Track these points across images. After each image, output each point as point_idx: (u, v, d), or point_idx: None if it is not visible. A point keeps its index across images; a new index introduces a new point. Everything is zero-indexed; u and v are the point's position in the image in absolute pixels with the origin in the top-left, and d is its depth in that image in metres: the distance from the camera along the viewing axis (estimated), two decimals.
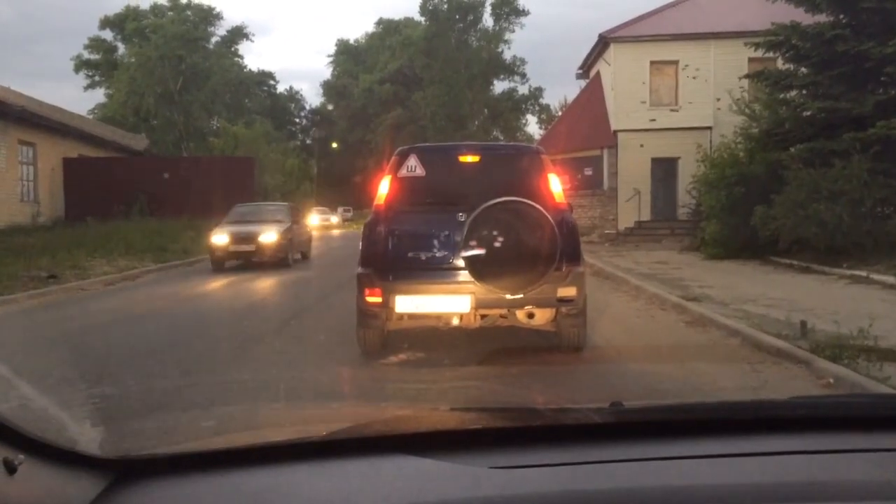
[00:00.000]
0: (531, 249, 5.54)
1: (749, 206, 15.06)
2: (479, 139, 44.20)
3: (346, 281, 8.73)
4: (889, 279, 10.71)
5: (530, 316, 5.99)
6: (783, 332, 6.67)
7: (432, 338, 6.45)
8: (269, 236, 15.21)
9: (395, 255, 5.94)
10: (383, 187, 6.13)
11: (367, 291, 5.87)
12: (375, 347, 6.16)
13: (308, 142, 62.24)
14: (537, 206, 5.59)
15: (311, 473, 1.29)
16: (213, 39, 52.59)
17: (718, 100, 21.21)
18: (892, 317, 7.62)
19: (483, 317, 5.99)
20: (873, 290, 10.20)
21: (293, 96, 65.37)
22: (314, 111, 65.55)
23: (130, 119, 44.82)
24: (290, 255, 15.70)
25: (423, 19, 54.25)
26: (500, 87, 57.13)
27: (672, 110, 22.97)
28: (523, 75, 56.43)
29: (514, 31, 55.32)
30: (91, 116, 42.42)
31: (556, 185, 6.07)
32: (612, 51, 23.64)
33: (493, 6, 53.93)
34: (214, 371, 5.89)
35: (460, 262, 5.68)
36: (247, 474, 1.26)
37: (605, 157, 23.83)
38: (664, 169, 23.04)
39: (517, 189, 5.80)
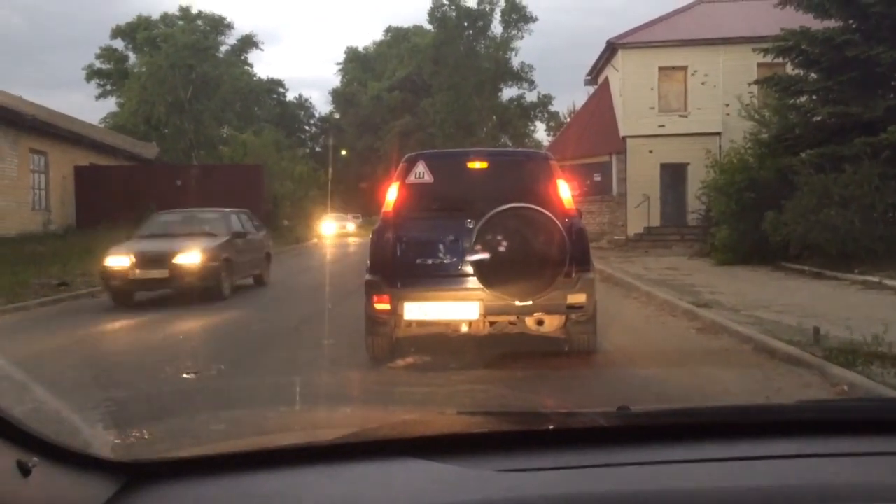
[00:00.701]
0: (540, 256, 5.52)
1: (759, 211, 14.98)
2: (488, 146, 44.16)
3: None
4: None
5: (540, 323, 5.97)
6: (796, 338, 6.60)
7: (439, 342, 6.44)
8: (189, 256, 10.73)
9: (404, 262, 5.94)
10: (392, 194, 6.13)
11: (375, 298, 5.86)
12: (384, 354, 6.17)
13: (318, 149, 62.46)
14: (546, 212, 5.57)
15: (319, 477, 1.29)
16: (223, 48, 52.89)
17: (727, 105, 21.19)
18: None
19: (492, 324, 5.97)
20: (886, 296, 10.12)
21: (303, 104, 65.77)
22: (323, 119, 65.91)
23: (141, 128, 45.08)
24: (223, 284, 11.18)
25: (431, 27, 54.38)
26: (508, 93, 57.16)
27: (681, 116, 22.94)
28: (531, 82, 56.39)
29: (522, 38, 55.36)
30: (102, 125, 42.74)
31: (565, 190, 6.05)
32: (621, 57, 23.64)
33: (503, 13, 54.00)
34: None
35: (469, 269, 5.67)
36: (256, 478, 1.27)
37: (614, 163, 23.82)
38: (673, 174, 22.98)
39: (526, 195, 5.78)
